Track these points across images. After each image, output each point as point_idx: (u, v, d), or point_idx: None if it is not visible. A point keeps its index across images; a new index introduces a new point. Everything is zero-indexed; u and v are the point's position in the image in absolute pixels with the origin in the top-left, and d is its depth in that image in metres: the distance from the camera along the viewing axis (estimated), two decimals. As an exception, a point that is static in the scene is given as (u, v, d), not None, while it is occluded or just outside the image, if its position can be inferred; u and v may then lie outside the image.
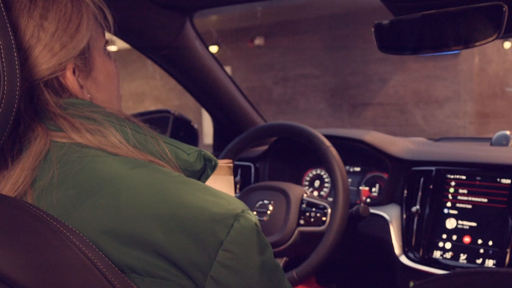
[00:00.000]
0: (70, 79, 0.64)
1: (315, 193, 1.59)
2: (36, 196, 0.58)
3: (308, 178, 1.63)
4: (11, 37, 0.52)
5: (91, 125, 0.61)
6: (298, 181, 1.63)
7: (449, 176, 1.30)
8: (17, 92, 0.52)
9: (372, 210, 1.34)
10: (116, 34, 1.29)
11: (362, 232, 1.36)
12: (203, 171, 0.65)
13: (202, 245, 0.53)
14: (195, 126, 1.68)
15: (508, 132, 1.48)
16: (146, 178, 0.56)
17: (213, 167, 0.66)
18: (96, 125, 0.61)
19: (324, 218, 1.19)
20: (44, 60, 0.61)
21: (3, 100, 0.50)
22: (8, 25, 0.52)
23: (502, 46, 6.80)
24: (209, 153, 0.65)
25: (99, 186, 0.56)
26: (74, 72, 0.65)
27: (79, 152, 0.59)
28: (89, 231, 0.54)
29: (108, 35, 0.81)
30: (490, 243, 1.19)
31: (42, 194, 0.57)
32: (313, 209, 1.21)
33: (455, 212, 1.27)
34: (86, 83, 0.67)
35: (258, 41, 8.31)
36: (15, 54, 0.52)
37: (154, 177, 0.57)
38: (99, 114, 0.63)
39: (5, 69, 0.51)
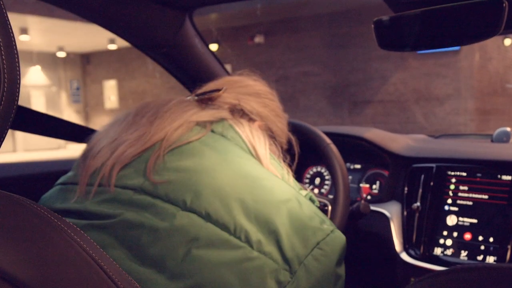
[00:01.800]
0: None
1: (316, 191, 1.59)
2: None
3: (308, 176, 1.63)
4: (11, 35, 0.52)
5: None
6: (299, 179, 1.63)
7: (449, 173, 1.30)
8: (17, 90, 0.52)
9: (372, 207, 1.34)
10: (115, 32, 1.29)
11: (362, 229, 1.36)
12: None
13: (305, 241, 0.71)
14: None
15: (508, 129, 1.48)
16: (278, 184, 0.78)
17: None
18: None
19: (324, 216, 1.19)
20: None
21: (3, 98, 0.50)
22: (8, 22, 0.52)
23: (503, 43, 6.78)
24: (314, 196, 0.88)
25: (249, 178, 0.76)
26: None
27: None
28: (228, 193, 0.72)
29: (108, 34, 0.84)
30: (491, 239, 1.19)
31: None
32: (314, 206, 1.21)
33: (455, 208, 1.27)
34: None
35: (258, 39, 8.31)
36: (15, 51, 0.52)
37: (284, 186, 0.79)
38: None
39: (5, 66, 0.50)
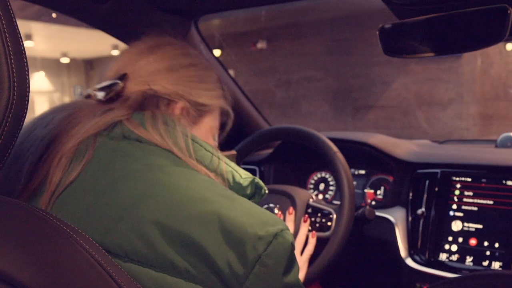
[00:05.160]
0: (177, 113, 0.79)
1: (320, 196, 1.59)
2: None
3: (313, 181, 1.63)
4: (21, 42, 0.52)
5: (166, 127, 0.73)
6: (303, 184, 1.63)
7: (454, 178, 1.30)
8: (27, 96, 0.52)
9: (377, 213, 1.33)
10: (121, 39, 1.30)
11: (367, 235, 1.36)
12: (251, 196, 0.74)
13: (243, 257, 0.58)
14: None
15: (512, 134, 1.48)
16: (200, 192, 0.63)
17: (262, 196, 0.75)
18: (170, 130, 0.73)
19: (329, 223, 1.19)
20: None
21: (13, 106, 0.50)
22: (17, 30, 0.52)
23: (505, 48, 6.78)
24: (261, 182, 0.74)
25: (161, 190, 0.63)
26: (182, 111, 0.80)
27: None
28: (143, 220, 0.60)
29: (112, 40, 0.83)
30: (496, 245, 1.19)
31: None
32: (319, 214, 1.21)
33: (460, 214, 1.26)
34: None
35: (261, 44, 8.32)
36: (25, 59, 0.52)
37: (208, 192, 0.64)
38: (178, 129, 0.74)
39: (15, 74, 0.50)
